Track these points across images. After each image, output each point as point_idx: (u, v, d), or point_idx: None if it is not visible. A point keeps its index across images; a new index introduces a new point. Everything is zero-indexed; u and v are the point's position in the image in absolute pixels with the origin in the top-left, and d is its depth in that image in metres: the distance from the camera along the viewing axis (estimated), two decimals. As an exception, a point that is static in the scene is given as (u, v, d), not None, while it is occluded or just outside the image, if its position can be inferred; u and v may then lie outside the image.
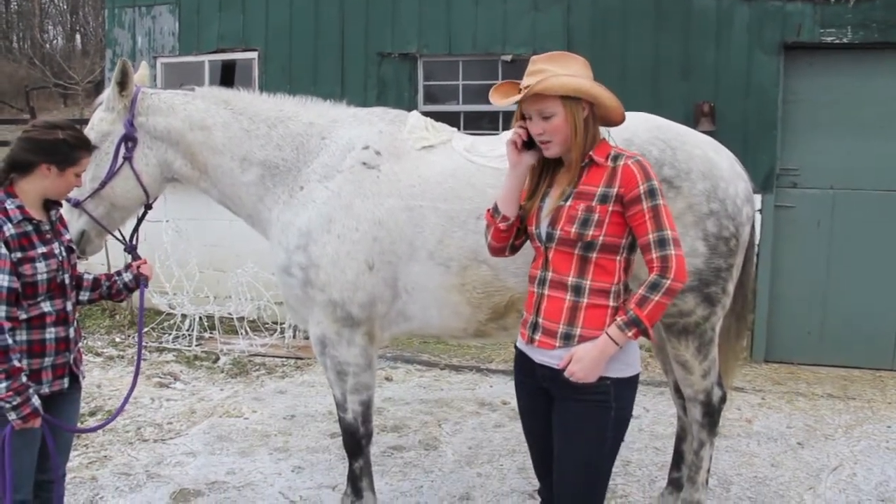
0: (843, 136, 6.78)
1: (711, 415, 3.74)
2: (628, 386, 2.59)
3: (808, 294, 6.97)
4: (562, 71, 2.54)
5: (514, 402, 5.81)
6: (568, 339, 2.54)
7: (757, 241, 6.63)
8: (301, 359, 6.99)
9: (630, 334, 2.47)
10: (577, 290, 2.55)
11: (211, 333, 7.59)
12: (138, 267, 3.29)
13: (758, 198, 6.78)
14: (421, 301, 3.44)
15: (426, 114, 3.81)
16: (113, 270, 7.52)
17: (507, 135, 3.58)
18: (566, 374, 2.51)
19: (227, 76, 8.44)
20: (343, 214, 3.37)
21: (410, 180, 3.41)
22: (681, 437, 4.08)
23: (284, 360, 7.03)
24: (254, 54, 8.23)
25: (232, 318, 7.57)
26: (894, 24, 6.53)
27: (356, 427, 3.62)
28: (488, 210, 2.83)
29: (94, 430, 4.09)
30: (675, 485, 4.07)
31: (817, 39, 6.70)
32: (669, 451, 4.33)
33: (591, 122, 2.57)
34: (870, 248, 6.81)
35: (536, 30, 7.36)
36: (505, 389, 6.26)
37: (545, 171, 2.71)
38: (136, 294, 3.34)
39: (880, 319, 6.86)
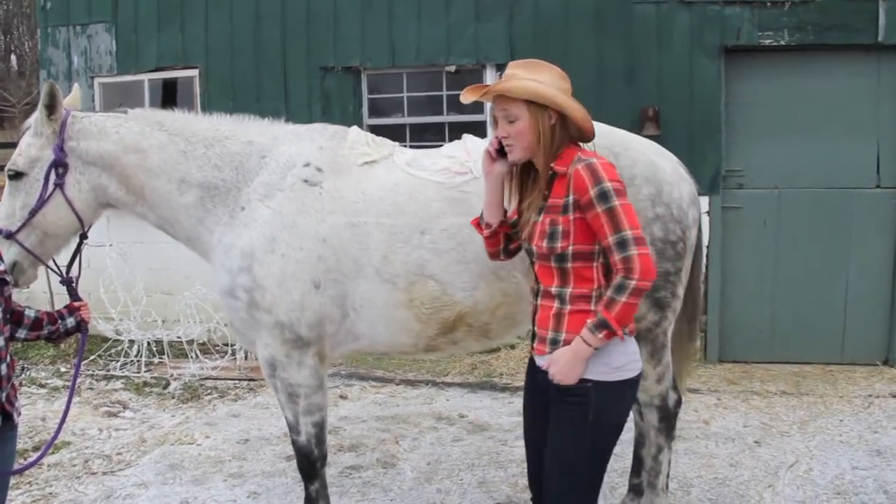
0: (785, 136, 6.90)
1: (668, 419, 3.73)
2: (614, 390, 2.59)
3: (757, 293, 7.06)
4: (531, 77, 2.57)
5: (471, 416, 5.84)
6: (555, 343, 2.61)
7: (705, 244, 6.77)
8: (254, 380, 6.85)
9: (600, 336, 2.48)
10: (561, 298, 2.60)
11: (160, 358, 7.39)
12: (79, 309, 3.18)
13: (705, 199, 6.86)
14: (369, 319, 3.38)
15: (372, 127, 3.77)
16: (55, 297, 7.41)
17: (447, 148, 3.55)
18: (549, 376, 2.58)
19: (168, 95, 8.28)
20: (286, 233, 3.30)
21: (353, 196, 3.35)
22: (639, 443, 4.07)
23: (237, 382, 6.88)
24: (194, 72, 8.08)
25: (181, 342, 7.39)
26: (828, 26, 6.68)
27: (310, 449, 3.55)
28: (475, 218, 2.91)
29: (17, 472, 3.73)
30: (636, 491, 4.06)
31: (756, 42, 6.82)
32: (629, 457, 4.32)
33: (557, 131, 2.60)
34: (815, 245, 6.94)
35: (479, 40, 7.36)
36: (462, 402, 6.22)
37: (527, 182, 2.74)
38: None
39: (828, 315, 6.99)
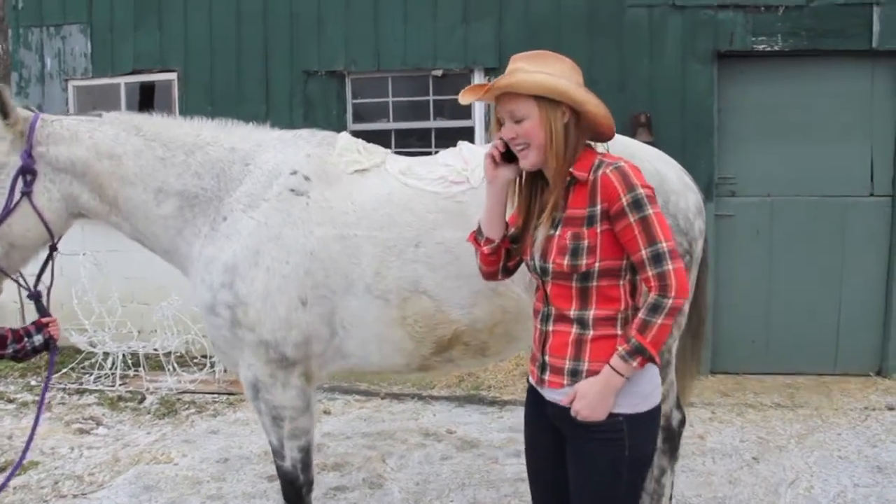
0: (778, 142, 6.78)
1: (672, 439, 3.59)
2: (645, 420, 2.32)
3: (750, 303, 6.93)
4: (539, 69, 2.28)
5: (459, 431, 5.64)
6: (575, 375, 2.31)
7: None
8: (233, 394, 6.60)
9: (635, 364, 2.21)
10: (582, 323, 2.31)
11: (136, 371, 7.12)
12: (47, 325, 2.97)
13: (697, 208, 6.71)
14: (359, 337, 3.17)
15: (356, 132, 3.58)
16: (26, 309, 7.12)
17: (443, 156, 3.35)
18: (572, 412, 2.28)
19: (146, 99, 8.01)
20: (271, 246, 3.09)
21: (343, 207, 3.14)
22: (640, 464, 3.90)
23: (216, 396, 6.63)
24: (172, 75, 7.82)
25: (158, 354, 7.13)
26: (822, 31, 6.58)
27: (295, 475, 3.34)
28: (472, 232, 2.60)
29: None
30: (636, 514, 3.89)
31: (749, 47, 6.69)
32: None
33: (572, 130, 2.28)
34: (808, 254, 6.82)
35: (468, 43, 7.18)
36: (450, 417, 6.02)
37: (535, 191, 2.44)
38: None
39: (821, 325, 6.87)
